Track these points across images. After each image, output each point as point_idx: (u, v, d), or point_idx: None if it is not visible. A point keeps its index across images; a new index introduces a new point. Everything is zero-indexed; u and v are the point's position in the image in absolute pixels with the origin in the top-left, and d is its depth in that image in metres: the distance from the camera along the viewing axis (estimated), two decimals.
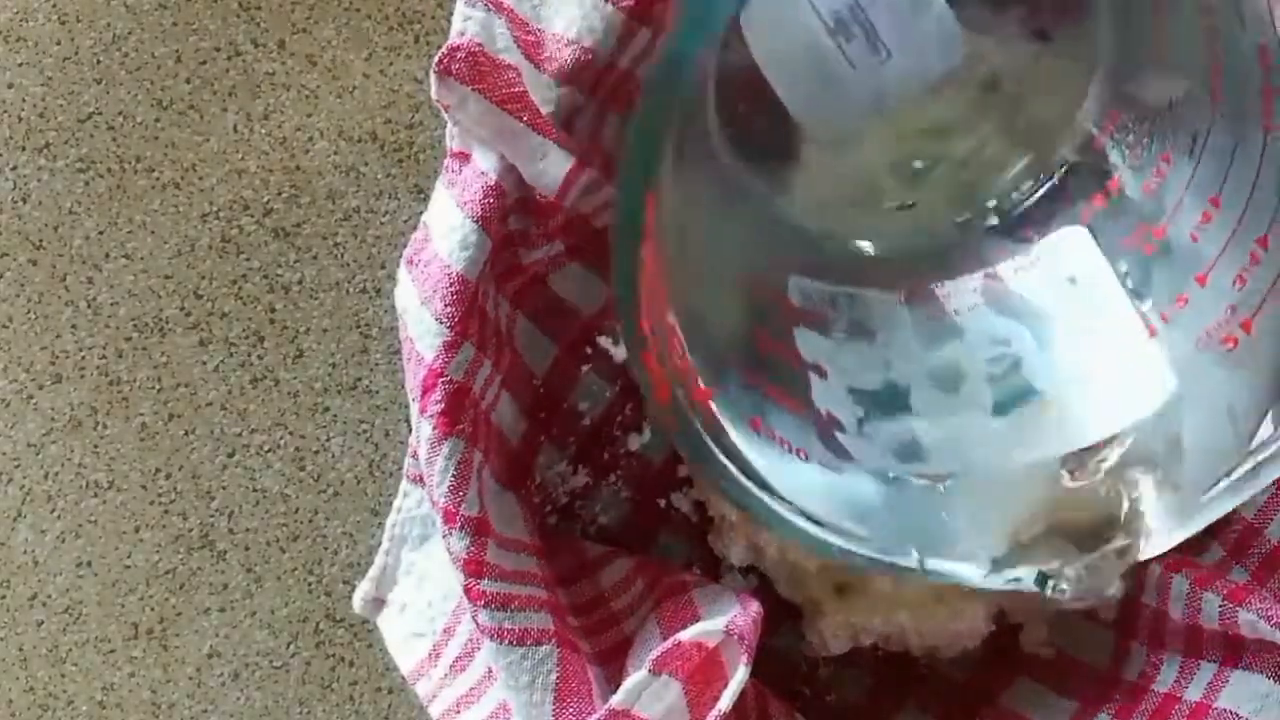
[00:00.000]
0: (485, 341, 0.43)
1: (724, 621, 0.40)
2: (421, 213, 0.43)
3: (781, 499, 0.36)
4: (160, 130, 0.54)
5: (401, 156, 0.54)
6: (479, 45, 0.41)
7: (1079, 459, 0.38)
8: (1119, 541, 0.38)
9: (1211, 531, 0.47)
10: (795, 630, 0.50)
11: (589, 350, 0.50)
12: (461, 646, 0.43)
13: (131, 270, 0.54)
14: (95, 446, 0.54)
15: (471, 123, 0.42)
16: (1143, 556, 0.39)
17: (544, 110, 0.41)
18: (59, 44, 0.54)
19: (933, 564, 0.38)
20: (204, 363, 0.54)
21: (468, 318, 0.41)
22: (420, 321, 0.41)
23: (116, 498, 0.54)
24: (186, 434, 0.54)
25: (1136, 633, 0.47)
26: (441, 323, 0.40)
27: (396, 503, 0.44)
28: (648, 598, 0.44)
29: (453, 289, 0.40)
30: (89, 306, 0.54)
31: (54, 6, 0.54)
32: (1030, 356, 0.39)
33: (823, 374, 0.38)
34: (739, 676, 0.39)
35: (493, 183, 0.41)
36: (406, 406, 0.42)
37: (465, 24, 0.41)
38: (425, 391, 0.41)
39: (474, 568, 0.40)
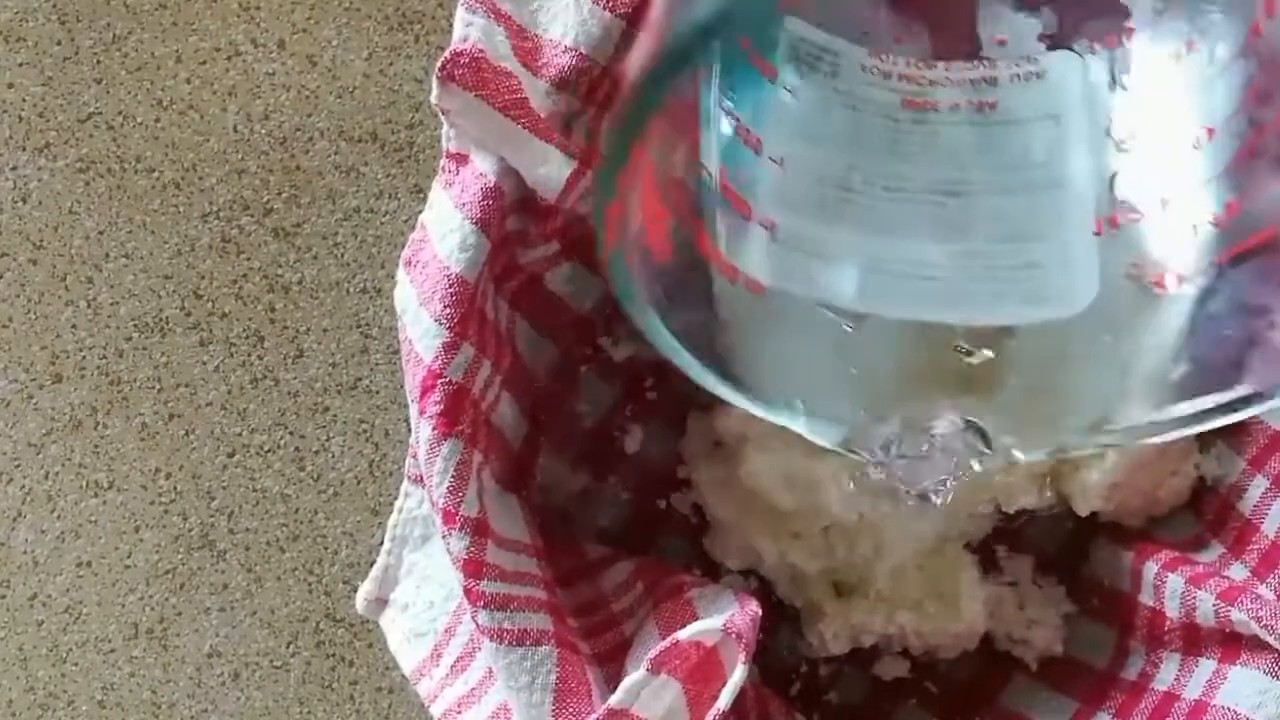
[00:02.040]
0: (485, 343, 0.43)
1: (722, 620, 0.40)
2: (421, 213, 0.43)
3: (693, 350, 0.34)
4: (160, 130, 0.54)
5: (401, 157, 0.54)
6: (481, 51, 0.41)
7: (973, 337, 0.37)
8: (971, 441, 0.36)
9: (1210, 527, 0.47)
10: (795, 631, 0.50)
11: (589, 352, 0.50)
12: (462, 647, 0.43)
13: (132, 270, 0.54)
14: (95, 446, 0.54)
15: (473, 128, 0.42)
16: (977, 467, 0.36)
17: (543, 115, 0.41)
18: (59, 44, 0.54)
19: (808, 419, 0.36)
20: (204, 363, 0.54)
21: (467, 319, 0.41)
22: (419, 322, 0.41)
23: (117, 498, 0.54)
24: (187, 434, 0.54)
25: (1135, 632, 0.47)
26: (440, 324, 0.40)
27: (398, 503, 0.44)
28: (647, 600, 0.44)
29: (452, 290, 0.40)
30: (89, 306, 0.54)
31: (54, 6, 0.54)
32: (976, 198, 0.36)
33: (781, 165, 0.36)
34: (737, 675, 0.39)
35: (492, 184, 0.41)
36: (406, 406, 0.42)
37: (467, 29, 0.41)
38: (424, 392, 0.41)
39: (473, 568, 0.40)
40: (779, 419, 0.36)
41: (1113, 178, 0.35)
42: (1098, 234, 0.35)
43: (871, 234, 0.35)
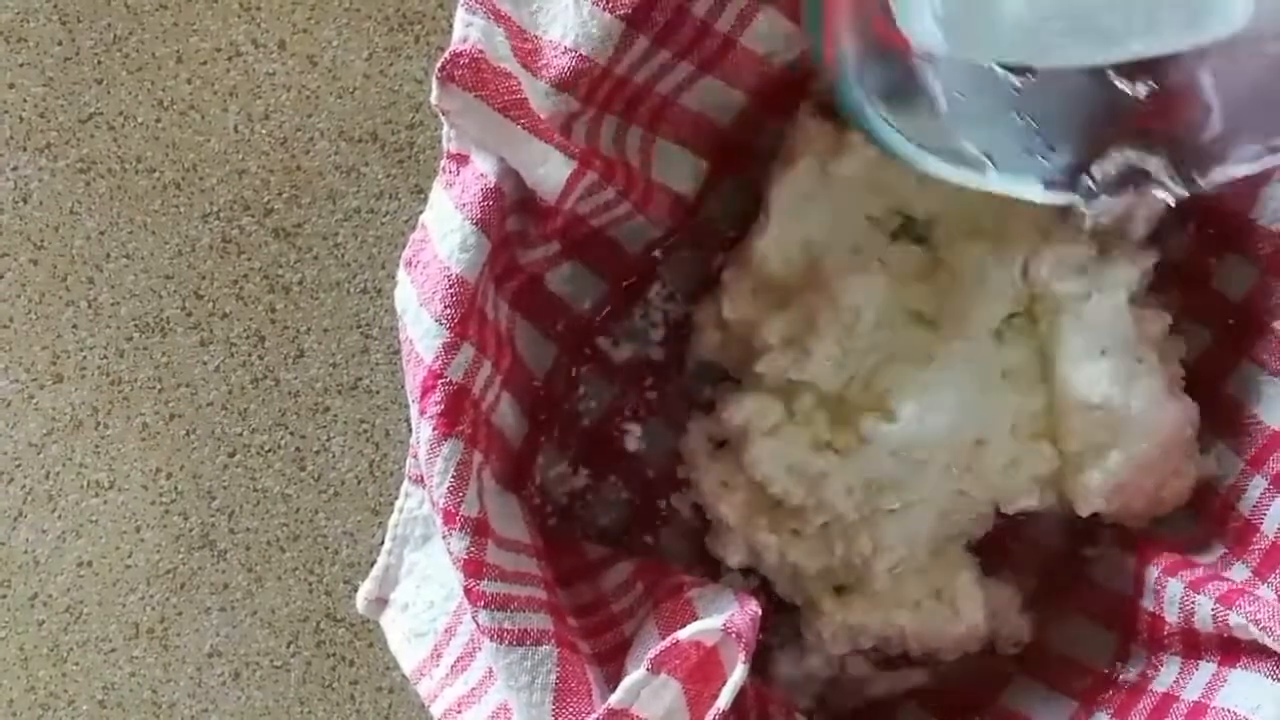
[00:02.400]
0: (485, 343, 0.43)
1: (722, 620, 0.40)
2: (422, 213, 0.43)
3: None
4: (161, 130, 0.54)
5: (402, 157, 0.54)
6: (481, 52, 0.41)
7: (1132, 70, 0.38)
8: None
9: (1210, 528, 0.47)
10: (795, 630, 0.50)
11: (588, 352, 0.50)
12: (463, 647, 0.43)
13: (132, 270, 0.54)
14: (96, 446, 0.54)
15: (473, 128, 0.42)
16: (1172, 189, 0.39)
17: (543, 116, 0.41)
18: (60, 44, 0.54)
19: (999, 176, 0.39)
20: (205, 363, 0.54)
21: (467, 319, 0.41)
22: (419, 323, 0.41)
23: (117, 497, 0.54)
24: (187, 434, 0.54)
25: (1136, 634, 0.47)
26: (441, 324, 0.40)
27: (399, 503, 0.45)
28: (647, 600, 0.44)
29: (452, 290, 0.41)
30: (90, 306, 0.54)
31: (55, 6, 0.54)
32: None
33: None
34: (737, 675, 0.39)
35: (492, 185, 0.41)
36: (406, 406, 0.42)
37: (467, 30, 0.41)
38: (425, 393, 0.41)
39: (473, 568, 0.40)
40: (974, 180, 0.40)
41: None
42: None
43: None
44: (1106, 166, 0.39)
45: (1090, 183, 0.39)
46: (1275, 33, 0.37)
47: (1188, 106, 0.39)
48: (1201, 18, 0.36)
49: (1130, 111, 0.39)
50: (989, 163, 0.40)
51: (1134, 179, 0.39)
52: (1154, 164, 0.39)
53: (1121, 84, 0.38)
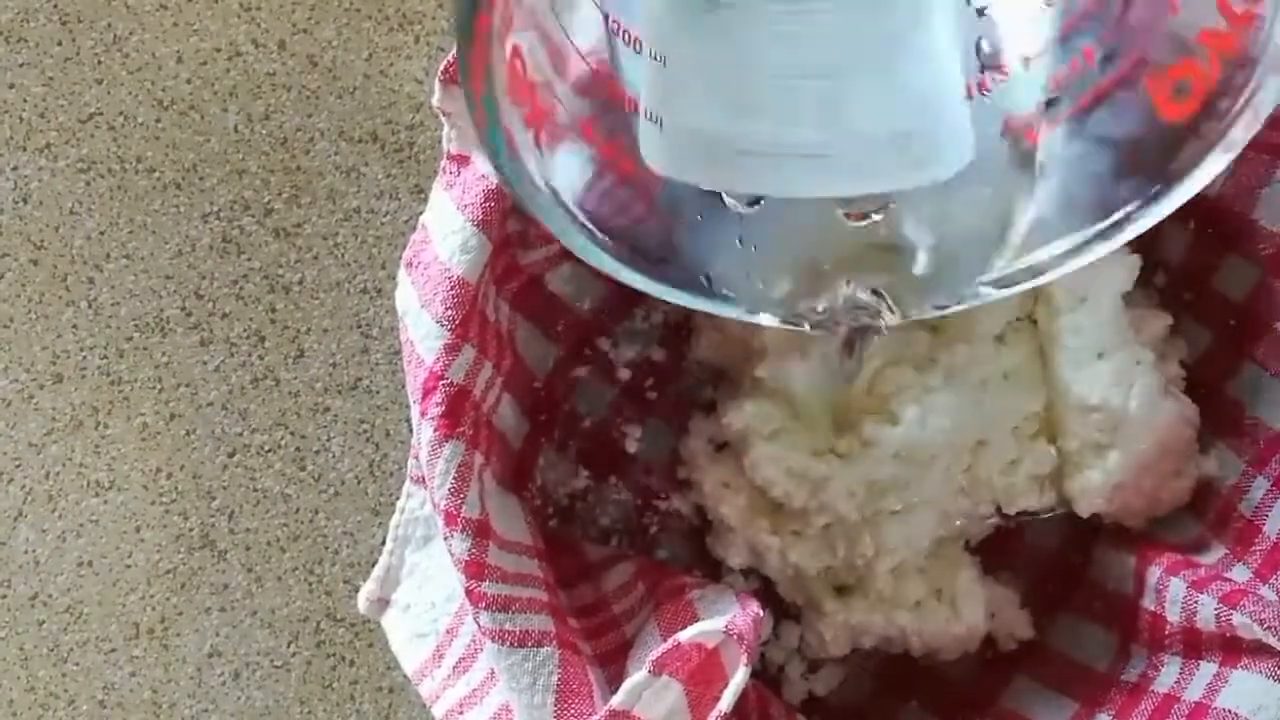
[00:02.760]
0: (486, 344, 0.43)
1: (723, 622, 0.40)
2: (422, 213, 0.43)
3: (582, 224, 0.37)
4: (161, 130, 0.54)
5: (402, 157, 0.54)
6: None
7: (855, 204, 0.39)
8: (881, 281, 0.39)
9: (1211, 529, 0.47)
10: (795, 631, 0.50)
11: (588, 353, 0.50)
12: (465, 647, 0.43)
13: (132, 270, 0.54)
14: (96, 446, 0.54)
15: (474, 129, 0.42)
16: (888, 320, 0.39)
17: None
18: (60, 44, 0.54)
19: (726, 301, 0.39)
20: (205, 363, 0.54)
21: (468, 320, 0.41)
22: (420, 324, 0.41)
23: (117, 497, 0.54)
24: (187, 434, 0.54)
25: (1136, 634, 0.47)
26: (442, 325, 0.40)
27: (400, 503, 0.45)
28: (648, 601, 0.44)
29: (453, 292, 0.41)
30: (90, 306, 0.54)
31: (55, 7, 0.54)
32: (848, 78, 0.37)
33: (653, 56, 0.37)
34: (739, 677, 0.39)
35: (493, 186, 0.41)
36: (407, 406, 0.42)
37: None
38: (426, 394, 0.41)
39: (475, 570, 0.40)
40: (714, 309, 0.39)
41: (978, 42, 0.36)
42: (970, 98, 0.37)
43: (752, 121, 0.36)
44: (830, 299, 0.39)
45: (815, 313, 0.40)
46: (984, 178, 0.38)
47: (907, 240, 0.39)
48: (923, 163, 0.37)
49: (852, 243, 0.39)
50: (708, 284, 0.39)
51: (857, 311, 0.39)
52: (873, 299, 0.39)
53: (845, 217, 0.39)
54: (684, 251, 0.39)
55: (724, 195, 0.39)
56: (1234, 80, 0.34)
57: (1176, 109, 0.35)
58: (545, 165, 0.36)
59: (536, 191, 0.36)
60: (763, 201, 0.39)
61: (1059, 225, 0.38)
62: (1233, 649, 0.43)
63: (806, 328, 0.40)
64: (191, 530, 0.54)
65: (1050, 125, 0.37)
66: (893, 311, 0.39)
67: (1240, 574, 0.45)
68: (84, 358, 0.54)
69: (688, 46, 0.36)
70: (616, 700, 0.38)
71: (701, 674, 0.39)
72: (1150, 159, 0.36)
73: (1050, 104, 0.37)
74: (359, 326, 0.54)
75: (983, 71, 0.36)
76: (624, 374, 0.50)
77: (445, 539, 0.40)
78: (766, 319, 0.40)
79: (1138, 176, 0.36)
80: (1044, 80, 0.37)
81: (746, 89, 0.36)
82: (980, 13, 0.36)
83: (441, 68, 0.41)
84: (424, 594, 0.44)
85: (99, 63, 0.54)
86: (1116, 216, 0.36)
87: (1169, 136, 0.35)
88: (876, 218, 0.39)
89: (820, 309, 0.39)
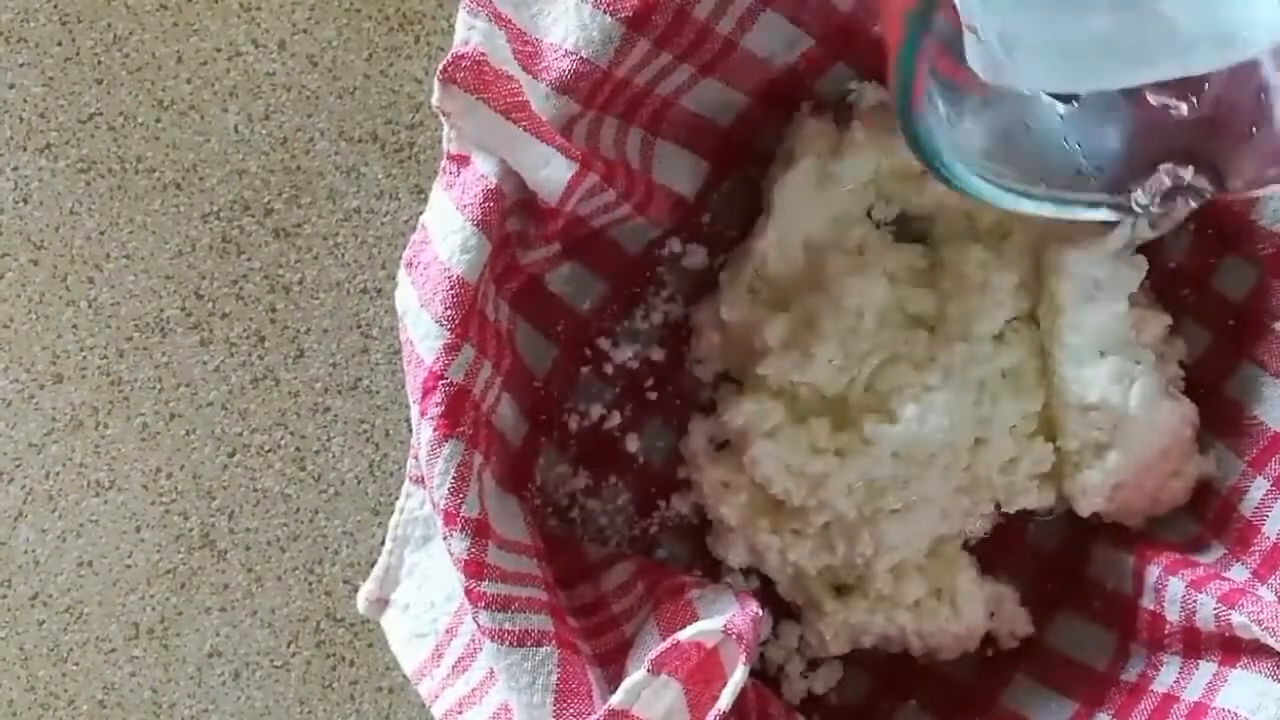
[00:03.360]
0: (485, 344, 0.43)
1: (722, 621, 0.40)
2: (422, 213, 0.43)
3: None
4: (161, 130, 0.54)
5: (402, 157, 0.54)
6: (483, 54, 0.41)
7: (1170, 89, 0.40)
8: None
9: (1211, 529, 0.47)
10: (795, 630, 0.50)
11: (588, 352, 0.50)
12: (464, 647, 0.43)
13: (132, 270, 0.54)
14: (96, 446, 0.54)
15: (474, 130, 0.42)
16: (1210, 195, 0.40)
17: (544, 118, 0.41)
18: (60, 44, 0.54)
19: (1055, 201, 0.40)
20: (205, 363, 0.54)
21: (468, 320, 0.41)
22: (420, 324, 0.41)
23: (117, 497, 0.54)
24: (187, 434, 0.54)
25: (1136, 633, 0.47)
26: (441, 325, 0.40)
27: (399, 503, 0.45)
28: (648, 600, 0.44)
29: (453, 292, 0.41)
30: (90, 306, 0.54)
31: (55, 7, 0.54)
32: None
33: None
34: (738, 676, 0.39)
35: (493, 186, 0.41)
36: (407, 407, 0.42)
37: (469, 33, 0.41)
38: (425, 394, 0.41)
39: (474, 569, 0.40)
40: (1049, 211, 0.40)
41: None
42: None
43: (1058, 15, 0.37)
44: (1153, 183, 0.40)
45: (1139, 199, 0.40)
46: None
47: (1233, 121, 0.39)
48: (1229, 38, 0.37)
49: (1174, 129, 0.40)
50: (1044, 186, 0.40)
51: (1180, 192, 0.40)
52: (1197, 178, 0.40)
53: (1160, 103, 0.39)
54: (1029, 162, 0.40)
55: (1041, 96, 0.40)
56: None
57: None
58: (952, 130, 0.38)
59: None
60: (1080, 99, 0.40)
61: None
62: (1232, 649, 0.43)
63: (1137, 216, 0.41)
64: (191, 530, 0.54)
65: None
66: (1215, 191, 0.40)
67: (1239, 574, 0.45)
68: (84, 358, 0.54)
69: None
70: (616, 699, 0.38)
71: (700, 673, 0.39)
72: None
73: None
74: (359, 326, 0.54)
75: None
76: (624, 374, 0.50)
77: (444, 539, 0.40)
78: (1105, 213, 0.41)
79: None
80: None
81: None
82: None
83: (441, 68, 0.41)
84: (423, 594, 0.44)
85: (99, 63, 0.54)
86: None
87: None
88: (1193, 98, 0.39)
89: (1148, 195, 0.40)
